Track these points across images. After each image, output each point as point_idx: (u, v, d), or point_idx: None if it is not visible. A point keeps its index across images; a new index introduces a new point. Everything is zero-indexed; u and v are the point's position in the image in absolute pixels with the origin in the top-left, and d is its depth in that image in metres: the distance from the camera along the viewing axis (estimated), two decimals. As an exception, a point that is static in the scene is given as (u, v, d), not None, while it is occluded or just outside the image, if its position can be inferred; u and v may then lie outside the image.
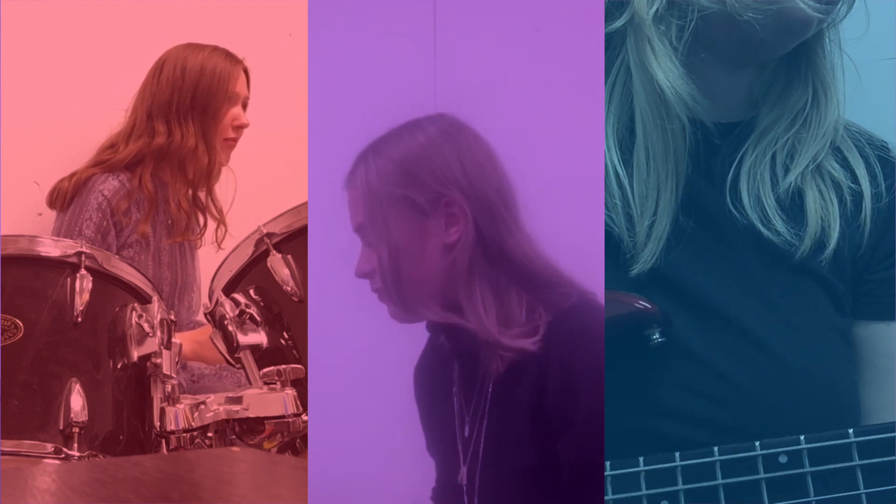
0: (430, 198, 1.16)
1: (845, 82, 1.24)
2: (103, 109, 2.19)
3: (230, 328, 1.49)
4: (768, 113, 1.22)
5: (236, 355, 1.50)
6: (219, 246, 2.17)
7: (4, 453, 1.33)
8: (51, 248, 1.47)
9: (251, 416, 1.39)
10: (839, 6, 1.17)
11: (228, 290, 1.53)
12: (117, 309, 1.48)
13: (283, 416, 1.38)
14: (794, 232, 1.18)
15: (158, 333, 1.46)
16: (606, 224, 1.17)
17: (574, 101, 1.61)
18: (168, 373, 1.43)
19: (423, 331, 1.23)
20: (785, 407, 1.14)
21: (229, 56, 2.13)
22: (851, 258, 1.23)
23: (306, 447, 1.43)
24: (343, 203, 1.21)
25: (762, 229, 1.18)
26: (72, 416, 1.37)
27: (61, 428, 1.37)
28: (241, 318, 1.50)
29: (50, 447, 1.36)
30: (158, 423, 1.39)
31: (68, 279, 1.44)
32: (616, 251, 1.17)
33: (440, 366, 1.25)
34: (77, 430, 1.37)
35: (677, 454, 1.05)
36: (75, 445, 1.36)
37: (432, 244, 1.16)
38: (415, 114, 1.22)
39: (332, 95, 1.83)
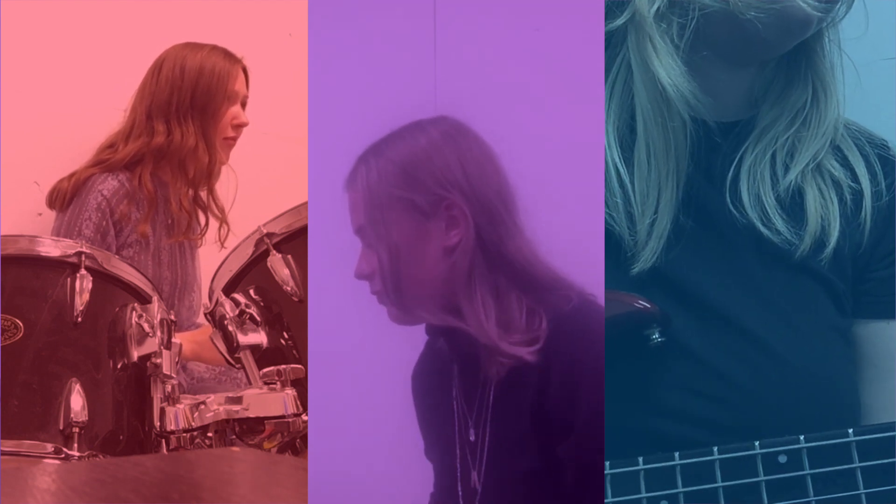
0: (431, 200, 1.15)
1: (845, 82, 1.24)
2: (103, 109, 2.19)
3: (230, 328, 1.49)
4: (768, 112, 1.22)
5: (236, 355, 1.50)
6: (221, 245, 2.16)
7: (4, 453, 1.33)
8: (51, 248, 1.47)
9: (251, 416, 1.39)
10: (839, 6, 1.17)
11: (228, 290, 1.53)
12: (117, 309, 1.48)
13: (283, 416, 1.38)
14: (794, 231, 1.18)
15: (158, 333, 1.46)
16: (607, 222, 1.17)
17: (574, 101, 1.61)
18: (168, 373, 1.42)
19: (423, 332, 1.23)
20: (785, 407, 1.14)
21: (228, 55, 2.13)
22: (852, 257, 1.23)
23: (306, 447, 1.43)
24: (343, 203, 1.21)
25: (762, 228, 1.18)
26: (72, 416, 1.37)
27: (61, 428, 1.37)
28: (241, 318, 1.50)
29: (50, 447, 1.36)
30: (158, 423, 1.39)
31: (68, 279, 1.44)
32: (617, 250, 1.17)
33: (439, 370, 1.25)
34: (77, 430, 1.37)
35: (676, 454, 1.05)
36: (75, 445, 1.36)
37: (433, 246, 1.16)
38: (415, 114, 1.22)
39: (332, 95, 1.82)
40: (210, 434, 1.40)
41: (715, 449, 1.04)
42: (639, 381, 1.14)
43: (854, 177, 1.23)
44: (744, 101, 1.24)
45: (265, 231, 1.51)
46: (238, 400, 1.40)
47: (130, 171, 2.08)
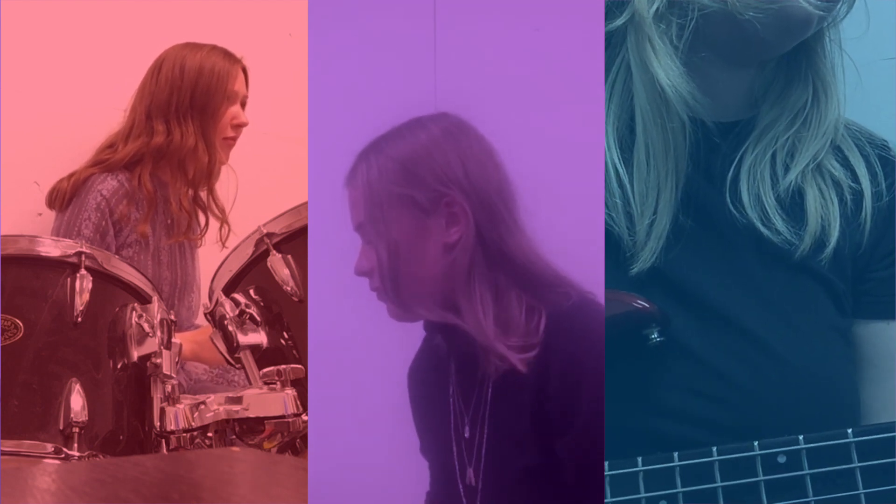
0: (431, 197, 1.15)
1: (845, 82, 1.24)
2: (102, 109, 2.19)
3: (230, 328, 1.49)
4: (768, 112, 1.22)
5: (236, 355, 1.50)
6: (223, 245, 2.16)
7: (4, 453, 1.33)
8: (51, 248, 1.47)
9: (251, 416, 1.39)
10: (840, 5, 1.17)
11: (228, 290, 1.53)
12: (117, 309, 1.48)
13: (283, 416, 1.38)
14: (794, 231, 1.18)
15: (158, 333, 1.46)
16: (606, 223, 1.17)
17: (574, 101, 1.61)
18: (168, 373, 1.42)
19: (422, 330, 1.23)
20: (785, 407, 1.14)
21: (227, 55, 2.13)
22: (852, 257, 1.23)
23: (306, 447, 1.43)
24: (343, 203, 1.21)
25: (762, 228, 1.18)
26: (72, 416, 1.37)
27: (61, 428, 1.37)
28: (241, 318, 1.50)
29: (50, 447, 1.36)
30: (158, 423, 1.39)
31: (68, 279, 1.44)
32: (616, 250, 1.17)
33: (436, 367, 1.24)
34: (77, 430, 1.37)
35: (676, 454, 1.05)
36: (75, 445, 1.36)
37: (433, 243, 1.16)
38: (415, 114, 1.22)
39: (332, 95, 1.82)
40: (210, 434, 1.40)
41: (714, 449, 1.04)
42: (638, 380, 1.14)
43: (854, 177, 1.23)
44: (744, 101, 1.24)
45: (265, 231, 1.51)
46: (238, 400, 1.40)
47: (130, 171, 2.08)
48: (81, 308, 1.43)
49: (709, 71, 1.17)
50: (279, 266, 1.50)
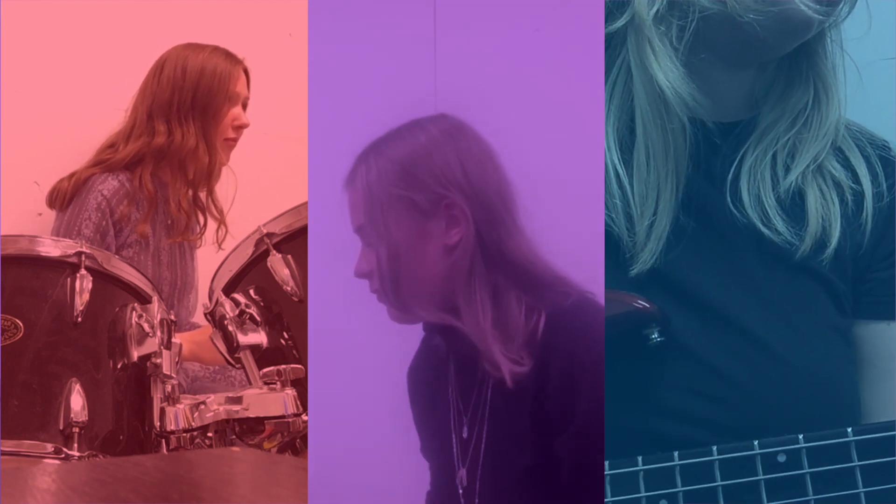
0: (431, 199, 1.15)
1: (846, 82, 1.24)
2: (103, 109, 2.19)
3: (230, 328, 1.49)
4: (769, 113, 1.22)
5: (236, 355, 1.50)
6: (219, 246, 2.17)
7: (4, 453, 1.33)
8: (51, 248, 1.47)
9: (251, 416, 1.39)
10: (841, 6, 1.16)
11: (228, 290, 1.53)
12: (117, 309, 1.48)
13: (283, 416, 1.38)
14: (794, 232, 1.18)
15: (158, 333, 1.46)
16: (606, 224, 1.17)
17: (574, 101, 1.61)
18: (168, 373, 1.42)
19: (422, 331, 1.23)
20: (785, 407, 1.14)
21: (229, 56, 2.13)
22: (852, 258, 1.23)
23: (306, 447, 1.43)
24: (343, 203, 1.21)
25: (762, 229, 1.18)
26: (72, 416, 1.37)
27: (61, 428, 1.37)
28: (241, 318, 1.50)
29: (50, 447, 1.36)
30: (158, 423, 1.39)
31: (68, 279, 1.44)
32: (616, 251, 1.17)
33: (435, 367, 1.25)
34: (77, 430, 1.37)
35: (676, 454, 1.05)
36: (75, 445, 1.36)
37: (432, 245, 1.16)
38: (415, 114, 1.22)
39: (332, 95, 1.82)
40: (210, 434, 1.40)
41: (714, 449, 1.04)
42: (639, 380, 1.14)
43: (855, 178, 1.23)
44: (744, 101, 1.24)
45: (265, 231, 1.51)
46: (238, 400, 1.40)
47: (131, 171, 2.08)
48: (81, 308, 1.43)
49: (709, 72, 1.17)
50: (279, 266, 1.50)
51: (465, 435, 1.19)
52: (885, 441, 1.01)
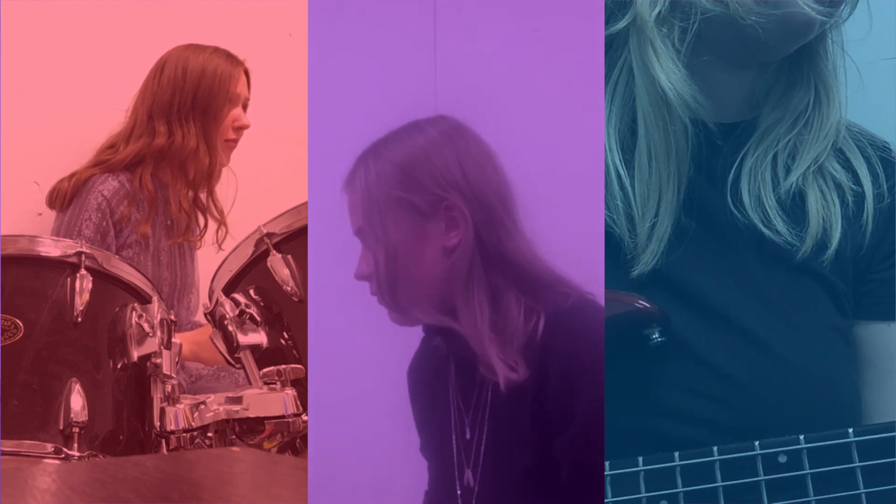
0: (430, 200, 1.15)
1: (847, 83, 1.24)
2: (103, 109, 2.19)
3: (230, 328, 1.49)
4: (770, 113, 1.22)
5: (236, 355, 1.50)
6: (219, 247, 2.17)
7: (4, 453, 1.33)
8: (51, 248, 1.47)
9: (251, 416, 1.39)
10: (842, 8, 1.16)
11: (228, 290, 1.53)
12: (117, 309, 1.48)
13: (283, 416, 1.38)
14: (794, 232, 1.18)
15: (158, 333, 1.46)
16: (607, 225, 1.17)
17: (574, 102, 1.61)
18: (168, 373, 1.42)
19: (422, 331, 1.23)
20: (785, 407, 1.14)
21: (230, 57, 2.13)
22: (853, 258, 1.23)
23: (306, 447, 1.43)
24: (343, 203, 1.21)
25: (763, 229, 1.18)
26: (72, 416, 1.37)
27: (61, 428, 1.37)
28: (241, 318, 1.50)
29: (50, 447, 1.36)
30: (158, 423, 1.39)
31: (68, 279, 1.44)
32: (617, 252, 1.17)
33: (435, 367, 1.24)
34: (77, 430, 1.37)
35: (676, 454, 1.05)
36: (75, 445, 1.36)
37: (432, 247, 1.16)
38: (415, 114, 1.22)
39: (332, 95, 1.83)
40: (210, 434, 1.40)
41: (715, 449, 1.04)
42: (639, 380, 1.14)
43: (856, 179, 1.23)
44: (745, 102, 1.24)
45: (265, 231, 1.51)
46: (238, 400, 1.40)
47: (131, 171, 2.08)
48: (81, 308, 1.43)
49: (710, 73, 1.17)
50: (279, 266, 1.50)
51: (468, 436, 1.18)
52: (885, 442, 1.01)
